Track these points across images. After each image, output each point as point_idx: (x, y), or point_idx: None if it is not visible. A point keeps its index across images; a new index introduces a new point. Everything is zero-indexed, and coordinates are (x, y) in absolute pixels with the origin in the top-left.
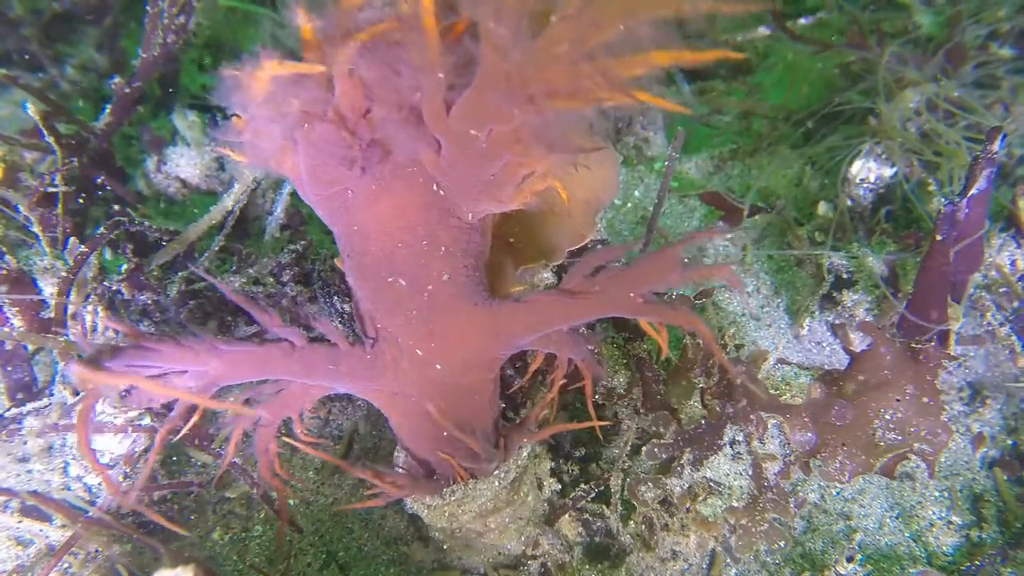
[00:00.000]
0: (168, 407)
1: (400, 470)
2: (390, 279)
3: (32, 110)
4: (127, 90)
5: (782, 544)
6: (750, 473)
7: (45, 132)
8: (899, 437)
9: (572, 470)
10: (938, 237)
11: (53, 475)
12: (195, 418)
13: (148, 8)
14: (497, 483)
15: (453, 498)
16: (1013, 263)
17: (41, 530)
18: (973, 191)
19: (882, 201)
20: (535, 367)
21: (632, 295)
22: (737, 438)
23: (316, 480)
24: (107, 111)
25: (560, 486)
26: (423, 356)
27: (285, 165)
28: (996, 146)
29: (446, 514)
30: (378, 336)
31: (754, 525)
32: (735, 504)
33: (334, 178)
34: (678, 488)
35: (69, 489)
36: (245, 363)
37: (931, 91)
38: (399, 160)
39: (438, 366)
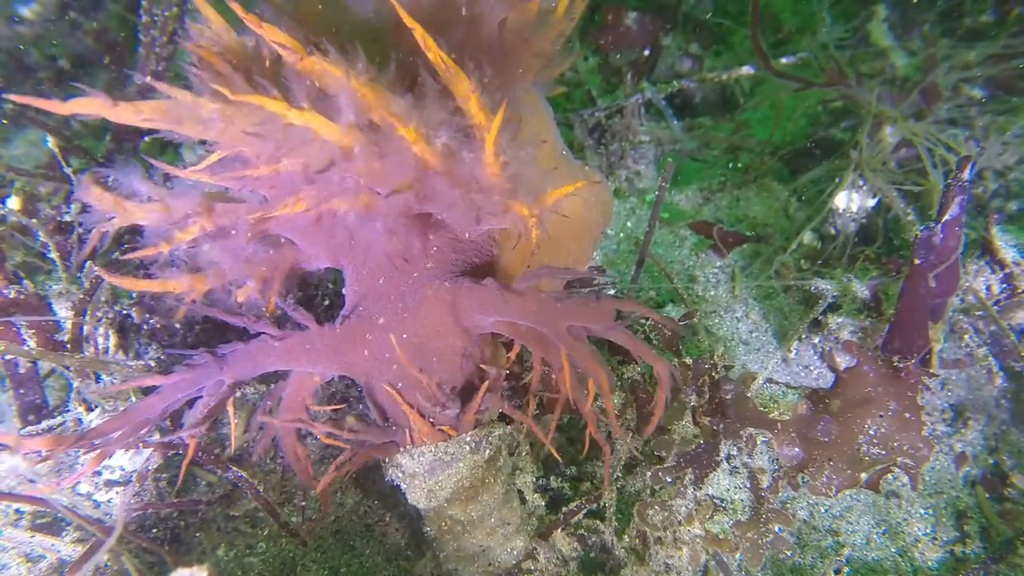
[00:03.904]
0: (173, 420)
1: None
2: (382, 280)
3: (52, 143)
4: None
5: (789, 553)
6: (748, 485)
7: (63, 164)
8: (883, 452)
9: (563, 487)
10: (916, 261)
11: (61, 495)
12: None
13: (141, 37)
14: (468, 449)
15: (424, 459)
16: (988, 288)
17: (52, 545)
18: (947, 217)
19: (864, 230)
20: (513, 354)
21: (562, 323)
22: (732, 452)
23: (318, 499)
24: (107, 138)
25: (544, 502)
26: (396, 325)
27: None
28: (966, 174)
29: (425, 490)
30: (353, 313)
31: (760, 537)
32: (740, 518)
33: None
34: (684, 508)
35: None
36: (245, 362)
37: (908, 127)
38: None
39: (405, 335)
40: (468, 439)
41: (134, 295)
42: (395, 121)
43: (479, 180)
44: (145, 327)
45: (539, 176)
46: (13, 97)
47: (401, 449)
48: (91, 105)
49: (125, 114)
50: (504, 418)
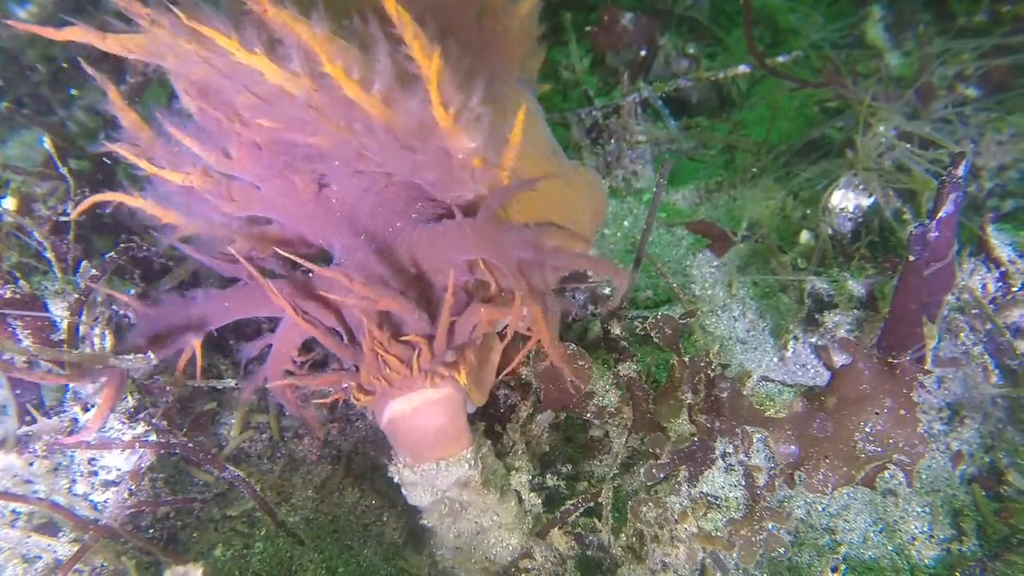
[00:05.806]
0: (170, 420)
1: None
2: (363, 236)
3: (48, 143)
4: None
5: (782, 551)
6: (743, 483)
7: (59, 164)
8: (878, 449)
9: (559, 485)
10: (911, 257)
11: (58, 496)
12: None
13: None
14: (467, 467)
15: (424, 473)
16: (984, 286)
17: (49, 545)
18: (941, 214)
19: (861, 229)
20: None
21: (511, 253)
22: (727, 450)
23: (316, 499)
24: (102, 137)
25: (540, 500)
26: (372, 268)
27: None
28: (960, 170)
29: (426, 500)
30: (332, 263)
31: (754, 535)
32: (734, 516)
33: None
34: (678, 506)
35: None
36: (217, 303)
37: (902, 124)
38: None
39: (380, 269)
40: (468, 455)
41: (131, 294)
42: (329, 60)
43: (430, 129)
44: None
45: (494, 124)
46: (12, 23)
47: (401, 464)
48: (85, 35)
49: (113, 46)
50: (490, 434)
